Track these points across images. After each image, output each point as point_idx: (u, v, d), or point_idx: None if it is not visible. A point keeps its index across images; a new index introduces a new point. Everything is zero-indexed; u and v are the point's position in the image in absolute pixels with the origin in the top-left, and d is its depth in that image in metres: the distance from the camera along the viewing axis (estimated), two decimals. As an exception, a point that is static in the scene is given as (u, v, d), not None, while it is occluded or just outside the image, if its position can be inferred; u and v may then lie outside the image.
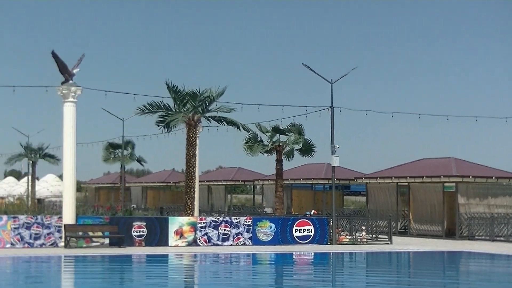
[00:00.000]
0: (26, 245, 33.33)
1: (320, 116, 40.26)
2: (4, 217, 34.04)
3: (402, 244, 38.70)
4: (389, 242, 38.95)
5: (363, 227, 40.82)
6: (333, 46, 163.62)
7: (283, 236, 37.53)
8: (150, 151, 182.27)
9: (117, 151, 62.76)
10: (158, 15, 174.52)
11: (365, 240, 39.61)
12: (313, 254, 35.02)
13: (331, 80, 39.08)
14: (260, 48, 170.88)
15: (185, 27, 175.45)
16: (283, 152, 47.57)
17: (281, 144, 47.23)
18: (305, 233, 37.90)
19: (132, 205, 68.88)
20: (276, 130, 47.21)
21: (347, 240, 39.41)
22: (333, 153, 38.68)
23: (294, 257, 33.74)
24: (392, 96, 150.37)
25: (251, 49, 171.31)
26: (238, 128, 40.06)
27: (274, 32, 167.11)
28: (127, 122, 50.48)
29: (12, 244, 33.13)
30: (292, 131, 47.30)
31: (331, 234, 38.28)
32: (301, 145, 47.77)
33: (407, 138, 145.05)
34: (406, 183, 47.00)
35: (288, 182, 55.20)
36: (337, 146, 38.63)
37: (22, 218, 33.95)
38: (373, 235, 40.39)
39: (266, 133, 47.70)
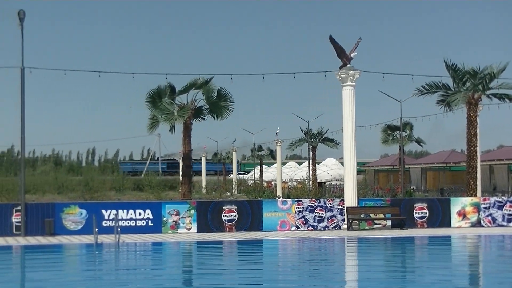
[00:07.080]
0: (310, 227, 34.07)
1: None
2: (289, 201, 35.04)
3: None
4: None
5: None
6: None
7: None
8: (428, 131, 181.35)
9: (395, 133, 62.54)
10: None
11: None
12: None
13: None
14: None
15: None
16: None
17: None
18: None
19: (411, 187, 68.55)
20: None
21: None
22: None
23: None
24: None
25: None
26: (522, 104, 38.57)
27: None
28: (404, 103, 50.03)
29: (297, 227, 33.99)
30: None
31: None
32: None
33: None
34: None
35: None
36: None
37: (306, 201, 34.76)
38: None
39: (551, 109, 45.84)
